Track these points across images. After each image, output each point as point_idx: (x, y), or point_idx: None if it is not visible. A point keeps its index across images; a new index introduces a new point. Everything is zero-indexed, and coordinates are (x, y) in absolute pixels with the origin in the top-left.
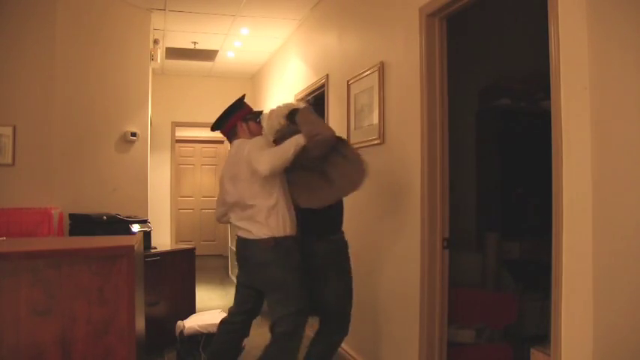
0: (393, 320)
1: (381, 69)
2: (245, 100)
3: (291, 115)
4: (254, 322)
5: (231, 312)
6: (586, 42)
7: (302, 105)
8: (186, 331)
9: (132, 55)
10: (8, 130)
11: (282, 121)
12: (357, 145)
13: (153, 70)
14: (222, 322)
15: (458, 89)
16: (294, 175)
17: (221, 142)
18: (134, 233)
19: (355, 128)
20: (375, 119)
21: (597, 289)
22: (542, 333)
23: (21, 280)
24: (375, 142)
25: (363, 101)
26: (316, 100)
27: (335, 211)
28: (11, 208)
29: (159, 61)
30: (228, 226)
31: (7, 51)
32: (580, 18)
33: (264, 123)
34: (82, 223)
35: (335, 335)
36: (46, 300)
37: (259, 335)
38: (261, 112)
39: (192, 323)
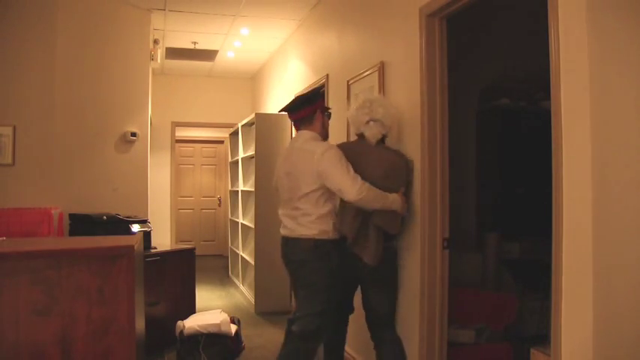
0: None
1: (381, 69)
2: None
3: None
4: (254, 321)
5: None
6: (586, 42)
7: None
8: (186, 331)
9: (132, 55)
10: (8, 130)
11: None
12: None
13: (153, 70)
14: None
15: (458, 89)
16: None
17: (221, 142)
18: (134, 233)
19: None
20: None
21: (597, 289)
22: (542, 333)
23: (21, 280)
24: None
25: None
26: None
27: None
28: (11, 208)
29: (159, 61)
30: (229, 226)
31: (8, 51)
32: (580, 18)
33: (352, 114)
34: (82, 223)
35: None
36: (46, 300)
37: (259, 336)
38: (331, 109)
39: (192, 323)
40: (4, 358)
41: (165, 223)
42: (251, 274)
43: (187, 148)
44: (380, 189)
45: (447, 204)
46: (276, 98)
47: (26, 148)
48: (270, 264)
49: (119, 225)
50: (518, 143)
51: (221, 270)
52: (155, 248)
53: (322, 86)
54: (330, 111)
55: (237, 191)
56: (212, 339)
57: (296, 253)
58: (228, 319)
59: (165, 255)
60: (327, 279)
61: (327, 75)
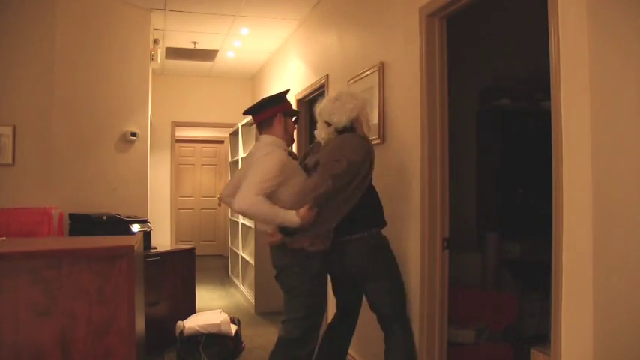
0: None
1: (381, 69)
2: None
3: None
4: (254, 321)
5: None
6: (586, 42)
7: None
8: (186, 331)
9: (132, 55)
10: (8, 130)
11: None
12: None
13: (153, 70)
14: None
15: (458, 89)
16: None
17: (221, 142)
18: (134, 233)
19: None
20: (375, 119)
21: (597, 289)
22: (542, 333)
23: (21, 280)
24: (375, 142)
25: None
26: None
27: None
28: (11, 208)
29: (159, 61)
30: (229, 226)
31: (8, 51)
32: (580, 18)
33: (338, 107)
34: (82, 223)
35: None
36: (46, 300)
37: (259, 336)
38: (298, 113)
39: (192, 323)
40: (4, 358)
41: (165, 223)
42: (251, 274)
43: (187, 148)
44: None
45: (447, 204)
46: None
47: (26, 148)
48: (270, 264)
49: (119, 225)
50: (518, 143)
51: (221, 270)
52: (155, 248)
53: (288, 90)
54: (295, 111)
55: None
56: (212, 339)
57: (278, 258)
58: (228, 319)
59: (165, 255)
60: (308, 284)
61: (327, 75)
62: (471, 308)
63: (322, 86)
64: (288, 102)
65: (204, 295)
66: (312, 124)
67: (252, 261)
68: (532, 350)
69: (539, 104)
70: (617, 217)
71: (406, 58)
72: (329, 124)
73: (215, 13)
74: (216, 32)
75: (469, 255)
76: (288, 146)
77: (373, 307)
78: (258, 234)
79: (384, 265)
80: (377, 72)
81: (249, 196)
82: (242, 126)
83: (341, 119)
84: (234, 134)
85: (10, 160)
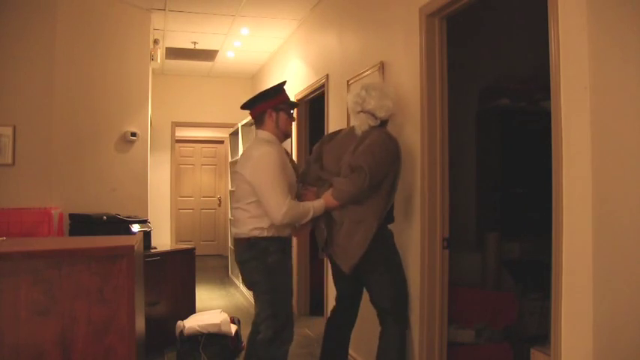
0: None
1: (381, 69)
2: (284, 88)
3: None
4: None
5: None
6: (586, 42)
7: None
8: (186, 331)
9: (132, 55)
10: (8, 130)
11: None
12: None
13: (153, 70)
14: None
15: (458, 89)
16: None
17: (221, 142)
18: (134, 233)
19: None
20: None
21: (597, 289)
22: (542, 333)
23: (21, 280)
24: None
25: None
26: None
27: None
28: (11, 208)
29: (159, 61)
30: (229, 226)
31: (8, 51)
32: (580, 18)
33: (371, 100)
34: (82, 223)
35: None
36: (46, 300)
37: None
38: (297, 105)
39: (192, 323)
40: (4, 358)
41: (165, 223)
42: None
43: (187, 148)
44: (350, 169)
45: (447, 204)
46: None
47: (26, 148)
48: None
49: (119, 225)
50: (518, 143)
51: (221, 270)
52: (155, 248)
53: (284, 82)
54: (291, 103)
55: None
56: (212, 339)
57: (241, 252)
58: (228, 319)
59: (165, 255)
60: (268, 278)
61: (327, 75)
62: (471, 308)
63: (322, 86)
64: (282, 96)
65: (204, 295)
66: (312, 122)
67: None
68: (532, 350)
69: (539, 104)
70: (617, 216)
71: (406, 58)
72: (370, 114)
73: (215, 13)
74: (216, 32)
75: (469, 255)
76: (282, 142)
77: (372, 299)
78: None
79: (386, 257)
80: (377, 72)
81: (280, 206)
82: (242, 126)
83: (381, 112)
84: (234, 134)
85: (10, 160)
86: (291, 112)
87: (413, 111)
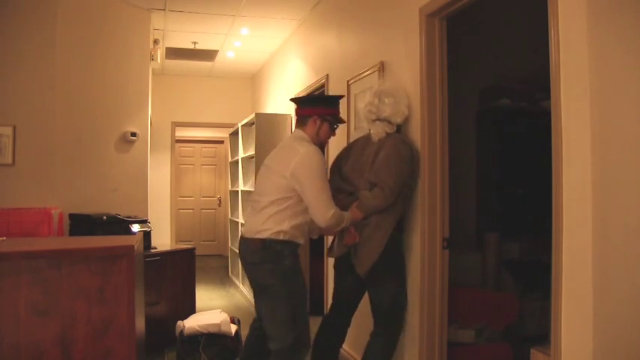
0: None
1: (381, 69)
2: (339, 101)
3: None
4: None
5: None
6: (586, 42)
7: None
8: (186, 331)
9: (132, 55)
10: (8, 130)
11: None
12: None
13: (153, 70)
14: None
15: (458, 89)
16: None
17: (221, 142)
18: (134, 233)
19: (355, 128)
20: None
21: (597, 289)
22: (542, 333)
23: (21, 280)
24: None
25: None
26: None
27: None
28: (11, 208)
29: (159, 61)
30: (229, 226)
31: (8, 51)
32: (580, 18)
33: (386, 105)
34: (82, 223)
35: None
36: (46, 300)
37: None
38: (343, 122)
39: (192, 323)
40: (4, 358)
41: (165, 223)
42: None
43: (187, 148)
44: (369, 183)
45: (447, 204)
46: (276, 98)
47: (26, 148)
48: None
49: (119, 225)
50: (518, 143)
51: (221, 270)
52: (155, 248)
53: (342, 96)
54: (339, 119)
55: (237, 191)
56: (212, 339)
57: (251, 253)
58: (228, 319)
59: (165, 255)
60: (283, 283)
61: (327, 75)
62: (471, 308)
63: (322, 86)
64: (334, 109)
65: (204, 295)
66: None
67: None
68: (532, 350)
69: (539, 104)
70: (617, 217)
71: (406, 58)
72: (387, 122)
73: (215, 13)
74: (216, 32)
75: (469, 255)
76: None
77: (372, 302)
78: None
79: (394, 267)
80: (377, 72)
81: (329, 207)
82: (242, 126)
83: (397, 118)
84: (234, 134)
85: (10, 160)
86: (335, 127)
87: (413, 111)
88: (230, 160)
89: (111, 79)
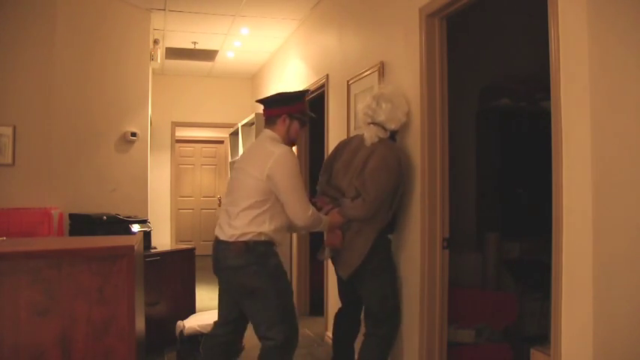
0: None
1: (381, 69)
2: (305, 98)
3: None
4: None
5: (215, 324)
6: (586, 42)
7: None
8: (186, 331)
9: (132, 55)
10: (8, 130)
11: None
12: None
13: (153, 70)
14: (206, 335)
15: (458, 89)
16: None
17: (221, 142)
18: (134, 233)
19: (355, 128)
20: None
21: (597, 289)
22: (542, 333)
23: (21, 280)
24: None
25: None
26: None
27: None
28: (11, 208)
29: (159, 61)
30: None
31: (7, 51)
32: (580, 18)
33: (383, 108)
34: (82, 223)
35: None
36: (46, 300)
37: None
38: (312, 118)
39: (192, 323)
40: (4, 358)
41: (165, 223)
42: None
43: (187, 148)
44: (358, 188)
45: (447, 204)
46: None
47: (26, 148)
48: None
49: (119, 225)
50: (518, 143)
51: None
52: (155, 248)
53: (307, 91)
54: (307, 115)
55: None
56: None
57: (232, 257)
58: None
59: (165, 255)
60: (269, 283)
61: (327, 75)
62: (471, 308)
63: (322, 86)
64: (302, 104)
65: (204, 295)
66: (311, 122)
67: None
68: (532, 350)
69: (539, 104)
70: (617, 216)
71: (406, 58)
72: (380, 126)
73: (215, 13)
74: (216, 32)
75: (469, 255)
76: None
77: (363, 304)
78: None
79: (379, 268)
80: (377, 72)
81: (306, 210)
82: (242, 126)
83: (392, 124)
84: (234, 134)
85: (10, 160)
86: (305, 123)
87: (413, 111)
88: (230, 160)
89: (111, 79)
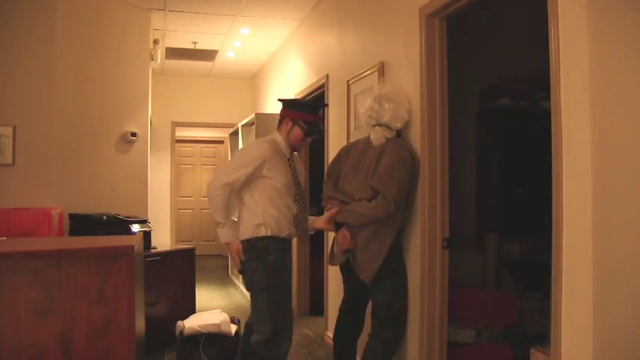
0: None
1: (381, 69)
2: (320, 111)
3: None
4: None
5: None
6: (586, 42)
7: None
8: (186, 331)
9: (132, 55)
10: (8, 130)
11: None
12: None
13: (153, 70)
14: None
15: (458, 89)
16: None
17: (221, 142)
18: (134, 233)
19: (355, 128)
20: None
21: (597, 289)
22: (542, 333)
23: (21, 280)
24: None
25: (364, 101)
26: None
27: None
28: (11, 208)
29: (159, 61)
30: None
31: (7, 51)
32: (580, 18)
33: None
34: (82, 223)
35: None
36: (46, 300)
37: None
38: (320, 131)
39: (192, 323)
40: (4, 358)
41: (165, 223)
42: None
43: (187, 148)
44: (371, 188)
45: (447, 204)
46: (276, 98)
47: (26, 148)
48: None
49: (119, 225)
50: (518, 143)
51: (221, 270)
52: (155, 248)
53: (320, 103)
54: (313, 125)
55: None
56: (212, 339)
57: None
58: (228, 319)
59: (165, 255)
60: (266, 278)
61: (327, 75)
62: (471, 308)
63: (322, 86)
64: (308, 114)
65: (204, 295)
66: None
67: None
68: (532, 350)
69: (539, 104)
70: (617, 216)
71: (406, 58)
72: (386, 127)
73: (215, 13)
74: (216, 32)
75: (469, 255)
76: (290, 150)
77: (372, 304)
78: None
79: (394, 270)
80: (377, 72)
81: (217, 180)
82: (242, 126)
83: (397, 123)
84: (234, 134)
85: (10, 160)
86: (310, 135)
87: (413, 111)
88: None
89: (111, 79)
